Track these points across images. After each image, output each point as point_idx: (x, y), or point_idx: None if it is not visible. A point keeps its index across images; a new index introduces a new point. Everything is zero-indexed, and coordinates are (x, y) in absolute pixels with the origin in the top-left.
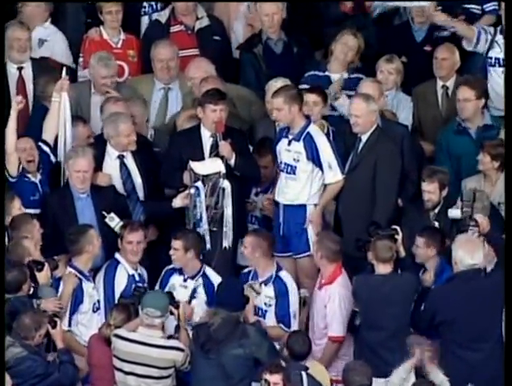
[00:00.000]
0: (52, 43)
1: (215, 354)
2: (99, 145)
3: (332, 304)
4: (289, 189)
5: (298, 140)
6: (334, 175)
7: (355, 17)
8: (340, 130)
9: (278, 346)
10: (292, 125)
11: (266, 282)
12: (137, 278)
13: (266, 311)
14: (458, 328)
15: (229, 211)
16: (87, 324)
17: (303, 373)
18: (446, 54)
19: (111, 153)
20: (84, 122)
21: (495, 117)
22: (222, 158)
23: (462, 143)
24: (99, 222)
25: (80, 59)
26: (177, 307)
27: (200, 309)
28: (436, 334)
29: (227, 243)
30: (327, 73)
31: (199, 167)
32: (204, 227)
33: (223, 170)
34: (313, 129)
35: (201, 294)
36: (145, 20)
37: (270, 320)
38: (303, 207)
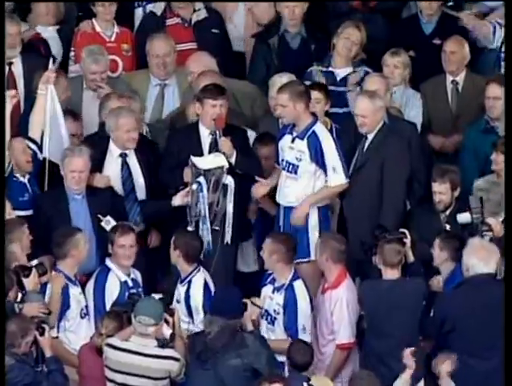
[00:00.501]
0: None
1: (212, 364)
2: (99, 143)
3: (339, 309)
4: (290, 189)
5: (302, 138)
6: (338, 179)
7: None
8: (345, 128)
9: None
10: (297, 123)
11: (278, 289)
12: (130, 284)
13: (275, 318)
14: (468, 336)
15: (230, 209)
16: (75, 330)
17: (305, 384)
18: (455, 47)
19: (113, 152)
20: (75, 117)
21: None
22: (223, 154)
23: (489, 142)
24: (94, 225)
25: (72, 53)
26: (172, 315)
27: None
28: (445, 343)
29: (227, 240)
30: (330, 68)
31: (201, 161)
32: (207, 225)
33: (226, 164)
34: (319, 129)
35: (182, 304)
36: (139, 12)
37: (278, 328)
38: None
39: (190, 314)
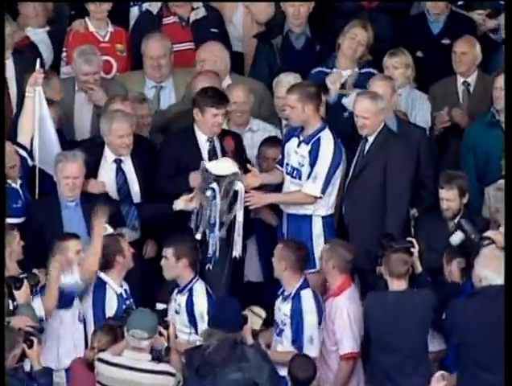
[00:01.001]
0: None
1: (211, 379)
2: (95, 148)
3: (340, 318)
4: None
5: (307, 143)
6: (314, 189)
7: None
8: (344, 132)
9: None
10: (305, 127)
11: (285, 298)
12: (124, 295)
13: (282, 330)
14: (479, 348)
15: (240, 216)
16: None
17: None
18: (465, 47)
19: (108, 157)
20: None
21: None
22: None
23: (493, 137)
24: (88, 233)
25: (64, 54)
26: (167, 327)
27: (178, 328)
28: (455, 354)
29: (237, 252)
30: (335, 70)
31: (215, 167)
32: (216, 234)
33: (239, 171)
34: (325, 136)
35: (183, 313)
36: (135, 11)
37: (285, 340)
38: (307, 217)
39: (193, 323)
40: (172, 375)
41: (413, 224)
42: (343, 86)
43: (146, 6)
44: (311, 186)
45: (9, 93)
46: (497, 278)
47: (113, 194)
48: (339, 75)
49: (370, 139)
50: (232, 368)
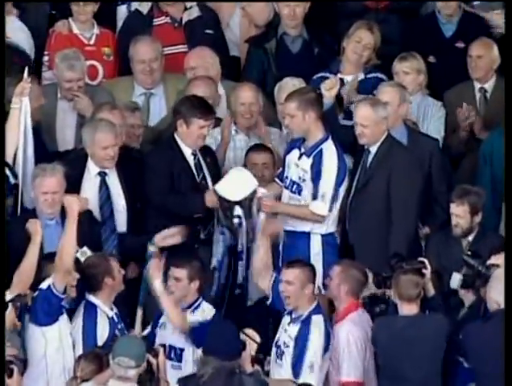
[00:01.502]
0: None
1: None
2: (77, 160)
3: (341, 343)
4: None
5: (308, 155)
6: (322, 208)
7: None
8: (347, 143)
9: None
10: (307, 137)
11: (295, 320)
12: (116, 319)
13: (283, 352)
14: (498, 375)
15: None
16: None
17: None
18: (482, 50)
19: (91, 170)
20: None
21: None
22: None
23: None
24: None
25: (45, 58)
26: (156, 355)
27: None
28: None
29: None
30: (339, 75)
31: (230, 192)
32: (243, 262)
33: (256, 182)
34: (328, 147)
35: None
36: (123, 11)
37: (285, 363)
38: (305, 235)
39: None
40: None
41: (424, 243)
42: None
43: (135, 5)
44: (320, 205)
45: None
46: None
47: (95, 211)
48: (336, 81)
49: (373, 150)
50: None
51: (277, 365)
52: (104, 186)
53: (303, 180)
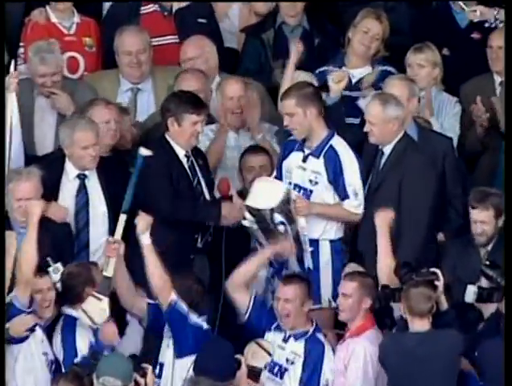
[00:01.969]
0: None
1: None
2: (54, 163)
3: (356, 362)
4: (298, 218)
5: (317, 156)
6: (357, 206)
7: None
8: (357, 142)
9: None
10: (309, 136)
11: (297, 336)
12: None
13: (285, 369)
14: None
15: (303, 222)
16: None
17: None
18: (503, 41)
19: (69, 172)
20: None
21: None
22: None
23: None
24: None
25: (21, 50)
26: (144, 375)
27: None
28: None
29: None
30: (344, 68)
31: (262, 201)
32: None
33: (284, 185)
34: (338, 142)
35: None
36: None
37: (288, 380)
38: (314, 242)
39: None
40: None
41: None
42: (356, 86)
43: None
44: (355, 203)
45: None
46: None
47: (70, 218)
48: (345, 73)
49: (386, 152)
50: None
51: (275, 383)
52: (83, 189)
53: (316, 183)
